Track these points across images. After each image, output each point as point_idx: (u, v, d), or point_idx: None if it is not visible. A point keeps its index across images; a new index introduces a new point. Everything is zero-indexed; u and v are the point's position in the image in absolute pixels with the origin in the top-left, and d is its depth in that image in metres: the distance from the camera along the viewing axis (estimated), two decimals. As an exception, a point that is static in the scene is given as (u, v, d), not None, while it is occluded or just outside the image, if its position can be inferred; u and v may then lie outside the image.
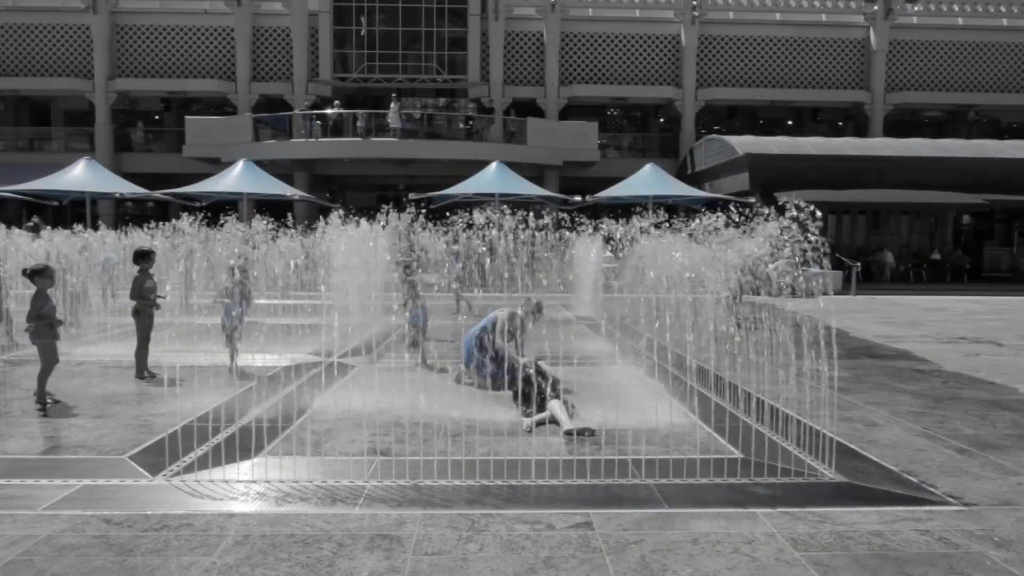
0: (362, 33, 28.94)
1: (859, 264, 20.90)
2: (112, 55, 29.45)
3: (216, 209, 28.41)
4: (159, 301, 7.82)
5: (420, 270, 11.71)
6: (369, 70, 29.16)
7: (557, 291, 15.86)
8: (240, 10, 29.04)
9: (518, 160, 25.51)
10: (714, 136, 27.10)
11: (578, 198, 25.97)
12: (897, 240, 25.83)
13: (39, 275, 6.39)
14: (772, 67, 30.83)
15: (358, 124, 26.11)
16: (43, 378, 6.35)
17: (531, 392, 6.22)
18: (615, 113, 34.61)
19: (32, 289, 6.41)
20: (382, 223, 10.53)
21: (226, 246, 10.19)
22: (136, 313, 7.62)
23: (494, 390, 7.04)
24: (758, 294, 18.14)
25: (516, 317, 7.27)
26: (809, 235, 5.39)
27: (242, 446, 5.18)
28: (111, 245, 13.14)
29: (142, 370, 7.66)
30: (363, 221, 10.10)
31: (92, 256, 11.74)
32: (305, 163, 27.05)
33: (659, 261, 7.51)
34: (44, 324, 6.32)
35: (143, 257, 7.76)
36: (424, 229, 15.94)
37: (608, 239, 13.21)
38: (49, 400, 6.40)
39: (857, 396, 7.11)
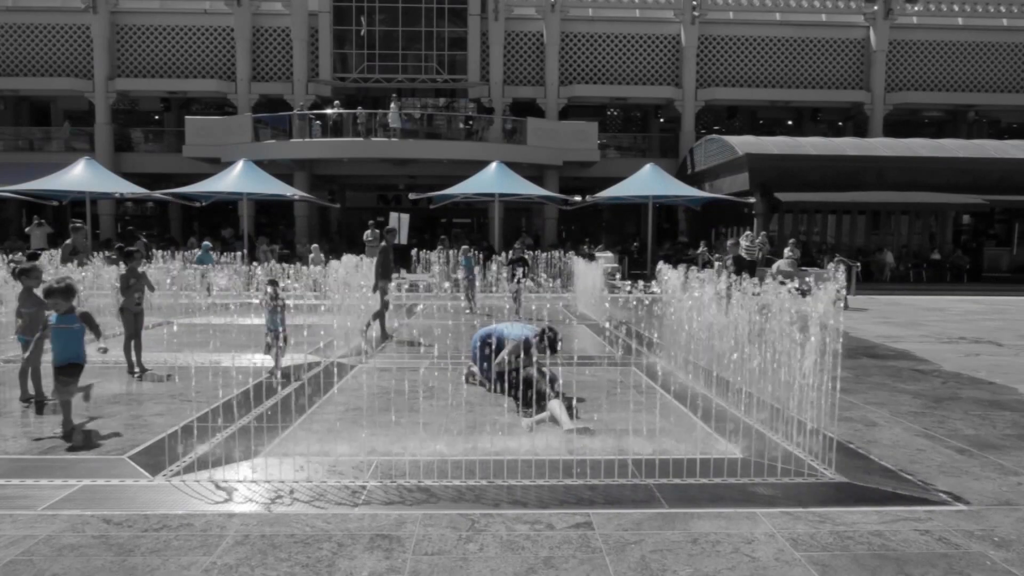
0: (362, 33, 28.93)
1: (859, 264, 20.90)
2: (112, 55, 29.45)
3: (215, 209, 28.54)
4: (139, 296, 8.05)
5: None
6: (369, 70, 29.16)
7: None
8: (240, 10, 29.03)
9: (518, 160, 25.50)
10: (714, 136, 27.10)
11: (578, 198, 25.97)
12: (897, 240, 25.83)
13: (26, 275, 6.49)
14: (772, 67, 30.82)
15: (359, 123, 26.09)
16: (24, 374, 6.45)
17: (531, 392, 6.23)
18: (615, 113, 34.61)
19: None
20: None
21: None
22: (122, 311, 7.95)
23: (496, 391, 7.05)
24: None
25: (528, 344, 6.87)
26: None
27: (242, 446, 5.18)
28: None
29: (132, 366, 7.85)
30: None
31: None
32: (305, 163, 27.04)
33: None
34: (37, 320, 6.39)
35: (130, 256, 8.12)
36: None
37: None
38: (46, 400, 6.42)
39: (857, 396, 7.11)
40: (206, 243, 20.32)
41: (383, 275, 10.85)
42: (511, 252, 14.95)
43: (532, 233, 28.65)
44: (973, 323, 13.42)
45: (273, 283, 8.13)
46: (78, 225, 12.00)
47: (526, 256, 15.25)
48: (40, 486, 4.39)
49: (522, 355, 6.69)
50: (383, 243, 11.37)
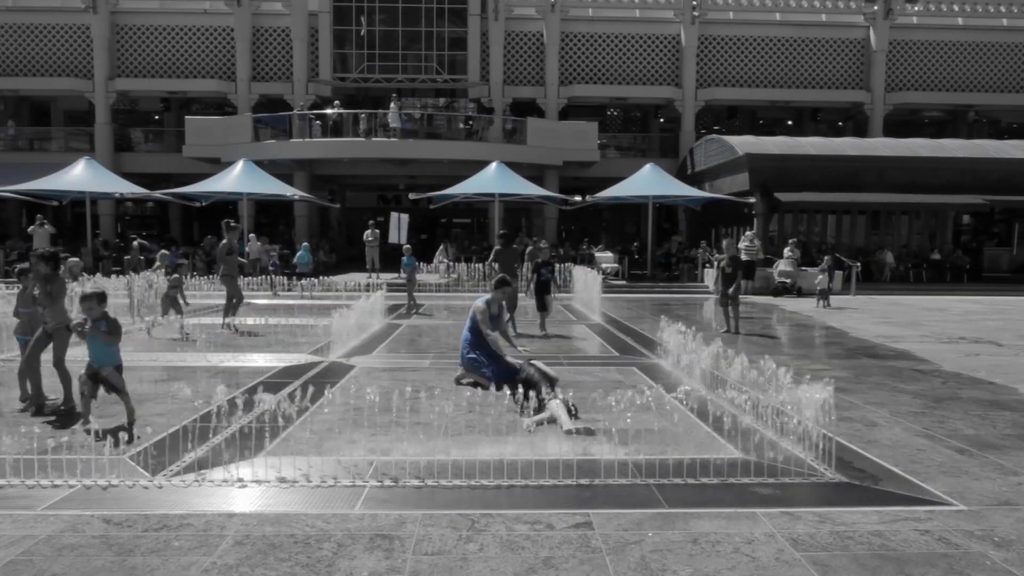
0: (362, 33, 28.93)
1: (859, 264, 20.89)
2: (112, 55, 29.44)
3: (215, 209, 28.52)
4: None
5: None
6: (369, 70, 29.16)
7: None
8: (240, 10, 29.02)
9: (518, 160, 25.49)
10: (714, 136, 27.08)
11: (578, 198, 25.96)
12: (897, 240, 25.82)
13: (25, 275, 6.51)
14: (772, 67, 30.82)
15: (361, 128, 26.10)
16: (23, 374, 6.42)
17: (531, 392, 6.23)
18: (615, 113, 34.60)
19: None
20: None
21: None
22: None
23: (494, 390, 7.04)
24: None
25: (491, 304, 7.35)
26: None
27: (242, 446, 5.18)
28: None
29: (24, 393, 6.39)
30: None
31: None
32: (305, 163, 27.04)
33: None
34: (36, 320, 6.41)
35: (48, 262, 6.58)
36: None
37: None
38: (46, 400, 6.42)
39: (857, 396, 7.11)
40: (305, 244, 21.76)
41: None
42: (535, 254, 12.44)
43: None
44: (973, 323, 13.42)
45: (98, 296, 5.83)
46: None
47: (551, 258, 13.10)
48: (40, 486, 4.39)
49: (488, 321, 7.13)
50: (507, 247, 11.77)
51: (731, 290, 11.50)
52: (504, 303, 7.59)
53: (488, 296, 7.52)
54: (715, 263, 12.39)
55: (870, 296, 19.02)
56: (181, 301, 11.35)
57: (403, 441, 5.35)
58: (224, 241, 11.39)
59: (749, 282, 12.24)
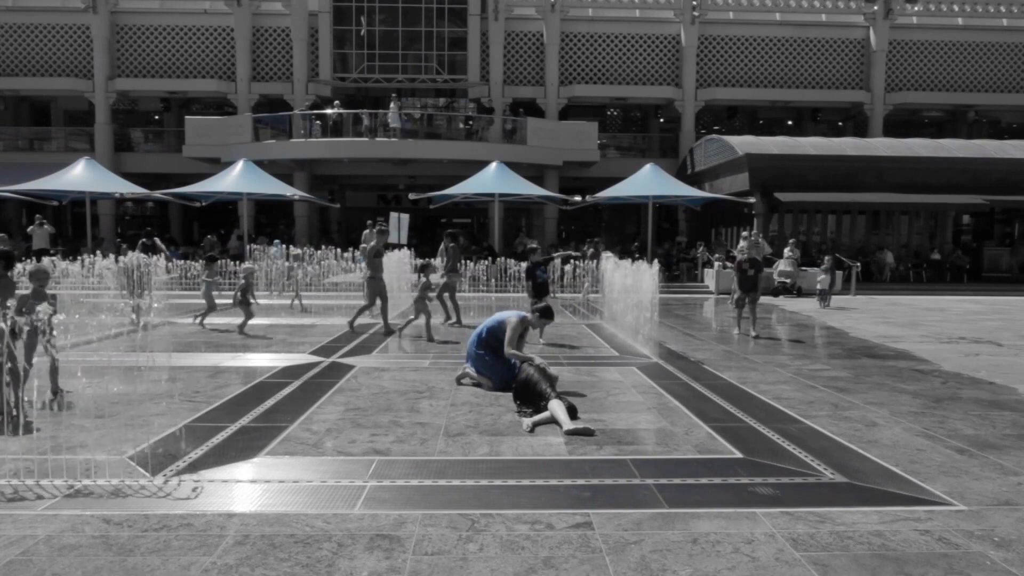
0: (362, 33, 28.92)
1: (859, 264, 20.89)
2: (112, 55, 29.44)
3: (215, 209, 28.53)
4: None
5: None
6: (369, 70, 29.16)
7: None
8: (240, 10, 29.02)
9: (518, 160, 25.49)
10: (714, 136, 27.08)
11: (578, 198, 25.97)
12: (897, 240, 25.82)
13: (32, 276, 6.53)
14: (772, 67, 30.82)
15: (364, 124, 26.10)
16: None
17: (531, 392, 6.23)
18: (615, 113, 34.60)
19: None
20: None
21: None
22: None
23: (495, 390, 7.05)
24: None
25: (526, 322, 7.29)
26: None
27: (242, 446, 5.18)
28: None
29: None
30: None
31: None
32: (305, 163, 27.04)
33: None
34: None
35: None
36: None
37: None
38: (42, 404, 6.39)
39: (857, 396, 7.11)
40: (276, 240, 21.97)
41: (451, 269, 12.75)
42: (535, 253, 10.98)
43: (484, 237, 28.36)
44: (973, 323, 13.42)
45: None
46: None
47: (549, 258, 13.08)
48: (40, 486, 4.39)
49: (517, 336, 7.14)
50: (451, 244, 13.04)
51: (752, 294, 11.54)
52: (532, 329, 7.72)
53: (528, 315, 7.39)
54: (736, 263, 12.39)
55: (870, 296, 19.02)
56: (252, 301, 11.36)
57: (403, 441, 5.35)
58: (372, 243, 11.49)
59: None
